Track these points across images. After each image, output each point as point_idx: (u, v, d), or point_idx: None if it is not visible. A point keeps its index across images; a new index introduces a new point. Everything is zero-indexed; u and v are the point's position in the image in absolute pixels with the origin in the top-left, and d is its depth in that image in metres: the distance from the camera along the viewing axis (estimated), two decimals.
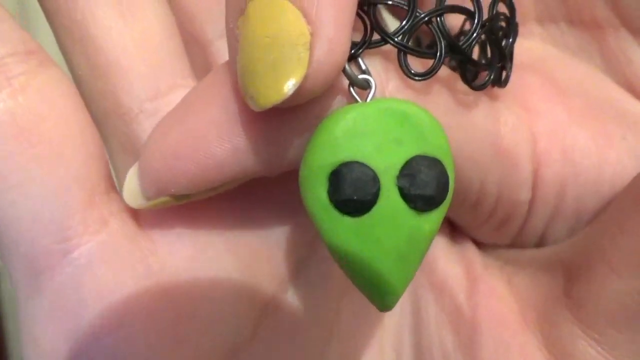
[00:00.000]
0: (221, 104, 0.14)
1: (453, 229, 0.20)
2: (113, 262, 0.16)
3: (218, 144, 0.14)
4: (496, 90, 0.17)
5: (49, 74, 0.16)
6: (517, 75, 0.17)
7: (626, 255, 0.15)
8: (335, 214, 0.13)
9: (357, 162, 0.13)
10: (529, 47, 0.19)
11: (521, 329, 0.17)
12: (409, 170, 0.13)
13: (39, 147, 0.15)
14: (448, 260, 0.19)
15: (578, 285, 0.16)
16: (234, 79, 0.14)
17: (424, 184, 0.13)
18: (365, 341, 0.19)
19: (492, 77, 0.15)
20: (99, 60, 0.16)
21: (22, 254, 0.15)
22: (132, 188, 0.15)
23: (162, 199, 0.15)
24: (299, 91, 0.12)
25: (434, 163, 0.14)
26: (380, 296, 0.14)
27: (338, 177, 0.13)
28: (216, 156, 0.14)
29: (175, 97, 0.16)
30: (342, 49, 0.13)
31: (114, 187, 0.17)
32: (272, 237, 0.18)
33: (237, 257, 0.17)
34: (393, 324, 0.19)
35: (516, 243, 0.19)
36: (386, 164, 0.13)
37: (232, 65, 0.14)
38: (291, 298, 0.18)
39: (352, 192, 0.13)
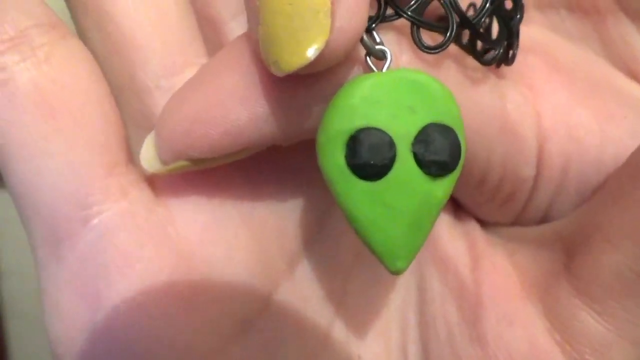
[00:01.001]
0: (241, 71, 0.14)
1: (457, 208, 0.20)
2: (133, 230, 0.16)
3: (237, 109, 0.14)
4: (502, 70, 0.17)
5: (71, 45, 0.16)
6: (521, 57, 0.18)
7: (622, 228, 0.16)
8: (351, 178, 0.14)
9: (374, 128, 0.14)
10: (530, 32, 0.20)
11: (523, 302, 0.18)
12: (424, 137, 0.14)
13: (61, 116, 0.15)
14: (452, 238, 0.20)
15: (577, 258, 0.17)
16: (254, 47, 0.14)
17: (438, 150, 0.14)
18: (371, 317, 0.19)
19: (500, 52, 0.16)
20: (115, 37, 0.17)
21: (43, 222, 0.16)
22: (149, 153, 0.16)
23: (179, 163, 0.15)
24: (320, 57, 0.13)
25: (448, 130, 0.14)
26: (393, 259, 0.14)
27: (356, 142, 0.14)
28: (235, 121, 0.14)
29: (191, 75, 0.16)
30: (362, 16, 0.13)
31: (132, 158, 0.17)
32: (284, 210, 0.18)
33: (250, 229, 0.17)
34: (398, 301, 0.20)
35: (519, 221, 0.19)
36: (402, 131, 0.14)
37: (252, 33, 0.14)
38: (301, 273, 0.18)
39: (370, 156, 0.14)
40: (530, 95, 0.18)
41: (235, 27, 0.19)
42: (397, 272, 0.15)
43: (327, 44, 0.13)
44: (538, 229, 0.19)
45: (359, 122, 0.14)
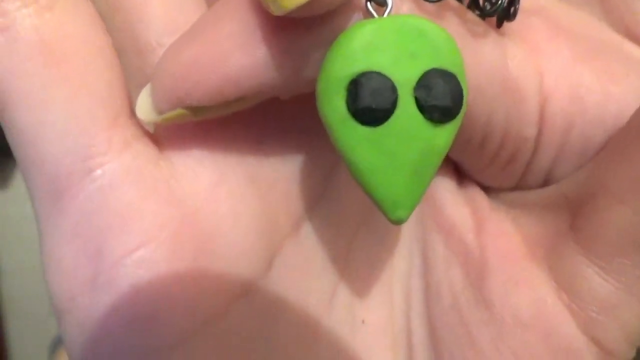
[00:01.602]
0: (240, 17, 0.14)
1: (460, 175, 0.20)
2: (136, 183, 0.16)
3: (237, 54, 0.14)
4: (504, 28, 0.17)
5: None
6: (523, 18, 0.18)
7: (628, 183, 0.15)
8: (352, 123, 0.14)
9: (375, 72, 0.14)
10: None
11: (529, 264, 0.17)
12: (426, 82, 0.14)
13: (64, 65, 0.15)
14: (455, 203, 0.19)
15: (582, 216, 0.16)
16: None
17: (441, 95, 0.14)
18: (375, 282, 0.19)
19: (502, 3, 0.16)
20: None
21: (44, 172, 0.15)
22: (145, 103, 0.15)
23: (175, 112, 0.15)
24: None
25: (450, 76, 0.14)
26: (394, 208, 0.14)
27: (357, 86, 0.13)
28: (234, 67, 0.14)
29: None
30: None
31: (134, 114, 0.17)
32: (288, 170, 0.18)
33: (255, 188, 0.17)
34: (402, 267, 0.20)
35: (521, 185, 0.19)
36: (403, 76, 0.14)
37: None
38: (305, 234, 0.18)
39: (371, 100, 0.13)
40: (532, 54, 0.18)
41: None
42: (398, 221, 0.14)
43: None
44: (541, 191, 0.19)
45: (360, 67, 0.14)
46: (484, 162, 0.19)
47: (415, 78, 0.14)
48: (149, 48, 0.16)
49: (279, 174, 0.18)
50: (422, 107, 0.14)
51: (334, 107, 0.14)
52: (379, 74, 0.13)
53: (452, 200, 0.19)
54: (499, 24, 0.17)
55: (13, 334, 0.63)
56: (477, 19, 0.16)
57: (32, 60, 0.15)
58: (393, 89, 0.14)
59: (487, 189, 0.20)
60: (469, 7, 0.16)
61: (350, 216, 0.19)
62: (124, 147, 0.16)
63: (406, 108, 0.14)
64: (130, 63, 0.17)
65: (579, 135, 0.18)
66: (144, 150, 0.16)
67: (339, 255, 0.19)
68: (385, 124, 0.14)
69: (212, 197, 0.16)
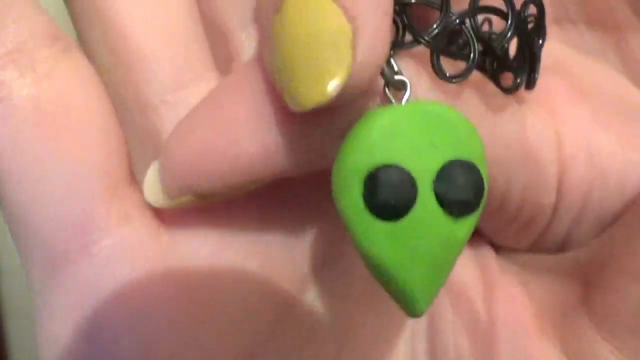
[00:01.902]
0: (252, 100, 0.14)
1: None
2: (134, 259, 0.15)
3: (249, 142, 0.14)
4: (522, 93, 0.17)
5: (73, 60, 0.15)
6: (541, 78, 0.17)
7: None
8: (370, 218, 0.13)
9: (394, 166, 0.13)
10: (548, 48, 0.19)
11: (539, 335, 0.17)
12: (446, 175, 0.13)
13: (62, 137, 0.15)
14: (465, 265, 0.19)
15: (597, 292, 0.16)
16: (265, 75, 0.14)
17: (461, 189, 0.13)
18: (379, 349, 0.19)
19: (522, 79, 0.15)
20: (120, 49, 0.16)
21: (39, 247, 0.15)
22: (154, 187, 0.15)
23: (186, 197, 0.15)
24: (341, 92, 0.12)
25: (470, 167, 0.13)
26: (412, 303, 0.14)
27: (375, 180, 0.13)
28: (246, 155, 0.14)
29: (198, 90, 0.16)
30: (384, 47, 0.12)
31: (135, 178, 0.16)
32: (293, 238, 0.17)
33: (257, 258, 0.17)
34: (408, 330, 0.19)
35: (536, 248, 0.19)
36: (423, 168, 0.13)
37: (265, 60, 0.14)
38: (309, 302, 0.18)
39: (390, 196, 0.13)
40: (551, 120, 0.17)
41: (245, 38, 0.18)
42: (416, 316, 0.14)
43: (349, 78, 0.12)
44: (555, 258, 0.18)
45: (378, 159, 0.13)
46: (500, 225, 0.18)
47: (435, 169, 0.13)
48: (152, 106, 0.16)
49: (283, 242, 0.17)
50: (442, 201, 0.13)
51: (351, 200, 0.13)
52: (397, 167, 0.13)
53: (461, 262, 0.19)
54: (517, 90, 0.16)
55: (13, 334, 0.63)
56: (496, 89, 0.16)
57: (28, 133, 0.14)
58: (412, 183, 0.13)
59: (498, 248, 0.20)
60: (489, 77, 0.16)
61: (354, 281, 0.18)
62: (123, 221, 0.15)
63: (426, 202, 0.13)
64: (132, 118, 0.16)
65: (597, 202, 0.17)
66: (143, 222, 0.16)
67: (343, 322, 0.18)
68: (404, 218, 0.13)
69: (211, 268, 0.16)
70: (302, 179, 0.16)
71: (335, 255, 0.18)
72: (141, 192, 0.16)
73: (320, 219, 0.17)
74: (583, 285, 0.17)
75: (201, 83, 0.16)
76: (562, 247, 0.18)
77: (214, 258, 0.16)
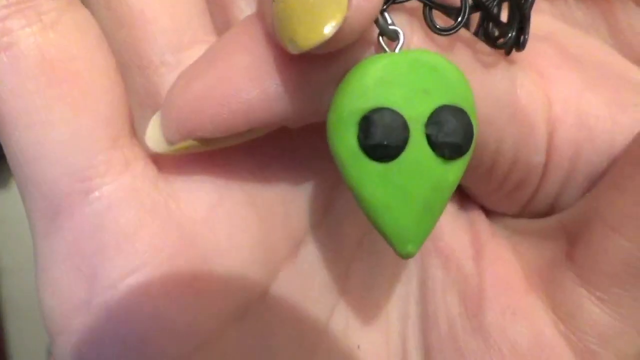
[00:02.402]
0: (252, 49, 0.14)
1: (462, 197, 0.20)
2: (135, 206, 0.16)
3: (248, 87, 0.14)
4: (513, 56, 0.17)
5: (78, 13, 0.16)
6: (531, 44, 0.18)
7: (626, 215, 0.15)
8: (363, 159, 0.14)
9: (387, 109, 0.14)
10: (539, 22, 0.20)
11: (527, 293, 0.17)
12: (437, 119, 0.14)
13: (66, 85, 0.15)
14: (455, 227, 0.19)
15: (580, 247, 0.16)
16: (266, 26, 0.14)
17: (452, 132, 0.14)
18: (372, 307, 0.19)
19: (512, 35, 0.16)
20: (122, 11, 0.16)
21: (42, 192, 0.15)
22: (155, 133, 0.15)
23: (185, 143, 0.15)
24: (337, 34, 0.13)
25: (461, 113, 0.14)
26: (403, 243, 0.14)
27: (369, 122, 0.13)
28: (246, 100, 0.14)
29: (198, 52, 0.16)
30: None
31: (135, 133, 0.17)
32: (290, 194, 0.18)
33: (254, 211, 0.17)
34: (399, 291, 0.20)
35: (526, 211, 0.19)
36: (415, 112, 0.14)
37: (265, 11, 0.14)
38: (303, 259, 0.18)
39: (383, 137, 0.13)
40: (541, 82, 0.18)
41: (244, 6, 0.18)
42: (407, 256, 0.14)
43: (345, 21, 0.13)
44: (543, 221, 0.19)
45: (372, 103, 0.14)
46: (491, 188, 0.19)
47: (427, 114, 0.14)
48: (152, 66, 0.16)
49: (278, 197, 0.18)
50: (433, 144, 0.14)
51: (345, 142, 0.14)
52: (391, 110, 0.14)
53: (452, 224, 0.19)
54: (508, 53, 0.17)
55: (13, 334, 0.63)
56: (487, 49, 0.16)
57: (33, 79, 0.15)
58: (405, 126, 0.14)
59: (489, 213, 0.20)
60: (479, 36, 0.16)
61: (349, 240, 0.19)
62: (124, 168, 0.16)
63: (417, 145, 0.14)
64: (133, 79, 0.17)
65: (586, 163, 0.18)
66: (144, 171, 0.16)
67: (336, 279, 0.19)
68: (397, 160, 0.14)
69: (210, 219, 0.16)
70: (299, 134, 0.17)
71: (331, 214, 0.19)
72: (142, 145, 0.16)
73: (317, 175, 0.18)
74: (567, 242, 0.17)
75: (201, 46, 0.16)
76: (551, 211, 0.19)
77: (212, 209, 0.17)
